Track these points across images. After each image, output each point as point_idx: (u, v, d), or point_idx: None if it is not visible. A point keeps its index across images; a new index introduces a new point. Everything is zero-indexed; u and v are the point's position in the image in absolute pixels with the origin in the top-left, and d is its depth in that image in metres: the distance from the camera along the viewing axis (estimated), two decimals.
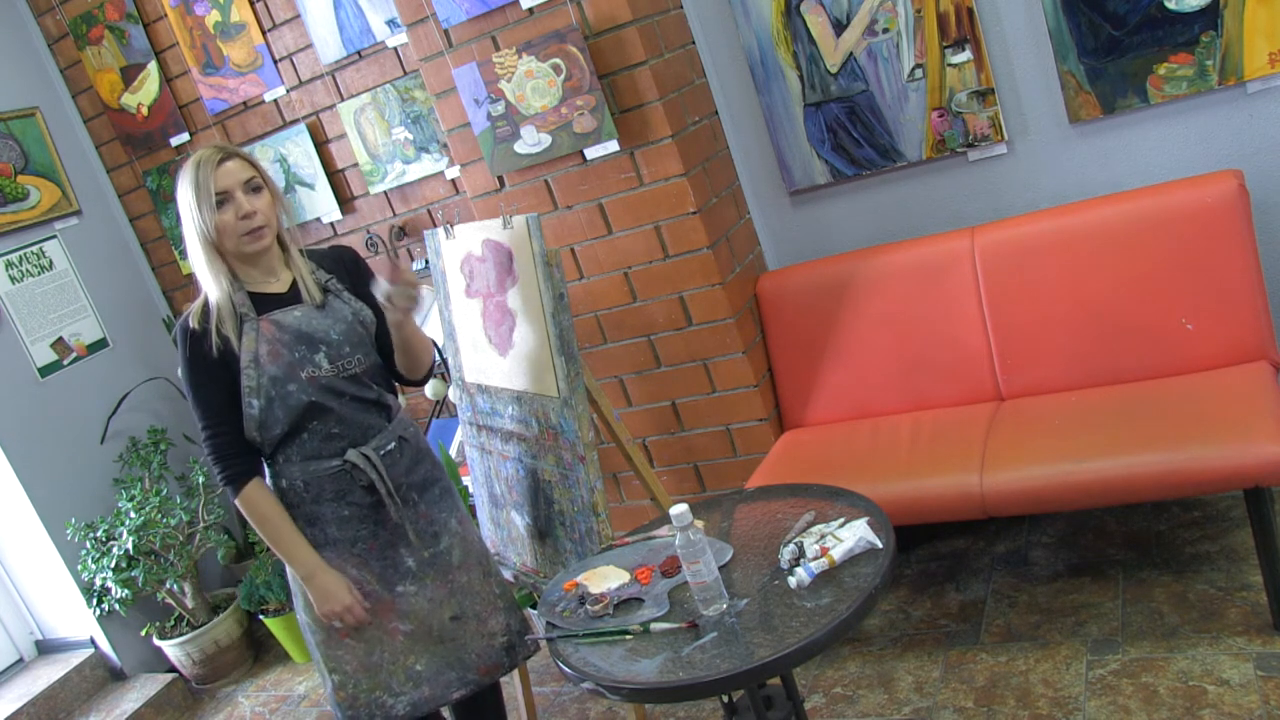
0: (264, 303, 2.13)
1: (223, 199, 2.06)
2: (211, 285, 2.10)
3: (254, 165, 2.12)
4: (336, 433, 2.14)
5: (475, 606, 2.29)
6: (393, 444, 2.21)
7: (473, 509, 2.95)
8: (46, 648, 3.98)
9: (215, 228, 2.06)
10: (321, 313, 2.16)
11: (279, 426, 2.11)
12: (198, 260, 2.10)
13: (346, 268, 2.26)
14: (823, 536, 1.89)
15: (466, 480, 3.17)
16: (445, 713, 2.41)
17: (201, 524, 3.75)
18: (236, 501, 2.13)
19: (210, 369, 2.09)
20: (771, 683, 2.19)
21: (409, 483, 2.22)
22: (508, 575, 2.77)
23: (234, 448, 2.12)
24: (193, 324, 2.09)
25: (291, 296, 2.17)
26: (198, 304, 2.12)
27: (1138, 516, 2.86)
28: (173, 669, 3.87)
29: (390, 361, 2.27)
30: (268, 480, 2.18)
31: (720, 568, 1.92)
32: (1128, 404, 2.52)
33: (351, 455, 2.14)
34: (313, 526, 2.16)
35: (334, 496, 2.15)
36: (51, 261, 3.97)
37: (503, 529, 2.81)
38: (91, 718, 3.67)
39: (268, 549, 3.90)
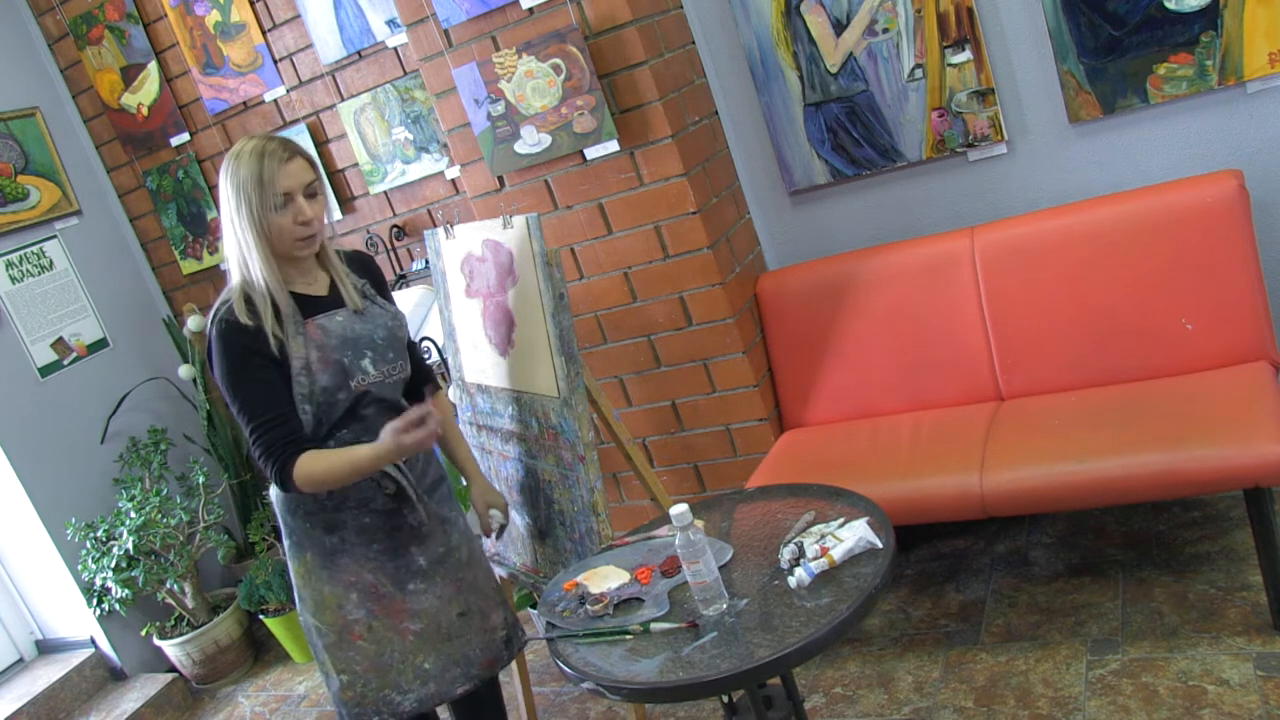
0: (303, 305, 2.08)
1: (284, 200, 1.99)
2: (268, 279, 2.02)
3: (315, 167, 2.06)
4: (365, 441, 2.11)
5: (479, 603, 2.29)
6: None
7: None
8: (46, 648, 3.98)
9: (273, 227, 2.00)
10: (361, 318, 2.12)
11: (320, 432, 2.07)
12: (248, 252, 2.01)
13: (371, 272, 2.25)
14: (823, 536, 1.89)
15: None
16: (443, 713, 2.41)
17: (201, 524, 3.75)
18: (298, 484, 1.99)
19: (265, 364, 1.99)
20: (771, 683, 2.19)
21: (423, 485, 2.22)
22: (503, 574, 2.78)
23: (289, 439, 2.00)
24: (242, 319, 1.99)
25: (332, 300, 2.12)
26: (235, 298, 2.02)
27: (1138, 516, 2.86)
28: (173, 669, 3.87)
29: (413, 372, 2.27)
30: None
31: (720, 568, 1.92)
32: (1128, 404, 2.52)
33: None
34: (331, 534, 2.13)
35: (356, 504, 2.13)
36: (51, 261, 3.98)
37: None
38: (91, 718, 3.67)
39: (268, 548, 3.91)
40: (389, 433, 1.97)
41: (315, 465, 2.00)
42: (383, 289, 2.25)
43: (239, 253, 2.04)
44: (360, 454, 2.01)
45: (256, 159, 1.98)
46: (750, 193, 3.25)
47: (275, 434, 1.99)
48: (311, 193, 2.04)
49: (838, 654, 2.76)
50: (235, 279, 2.05)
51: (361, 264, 2.24)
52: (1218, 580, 2.53)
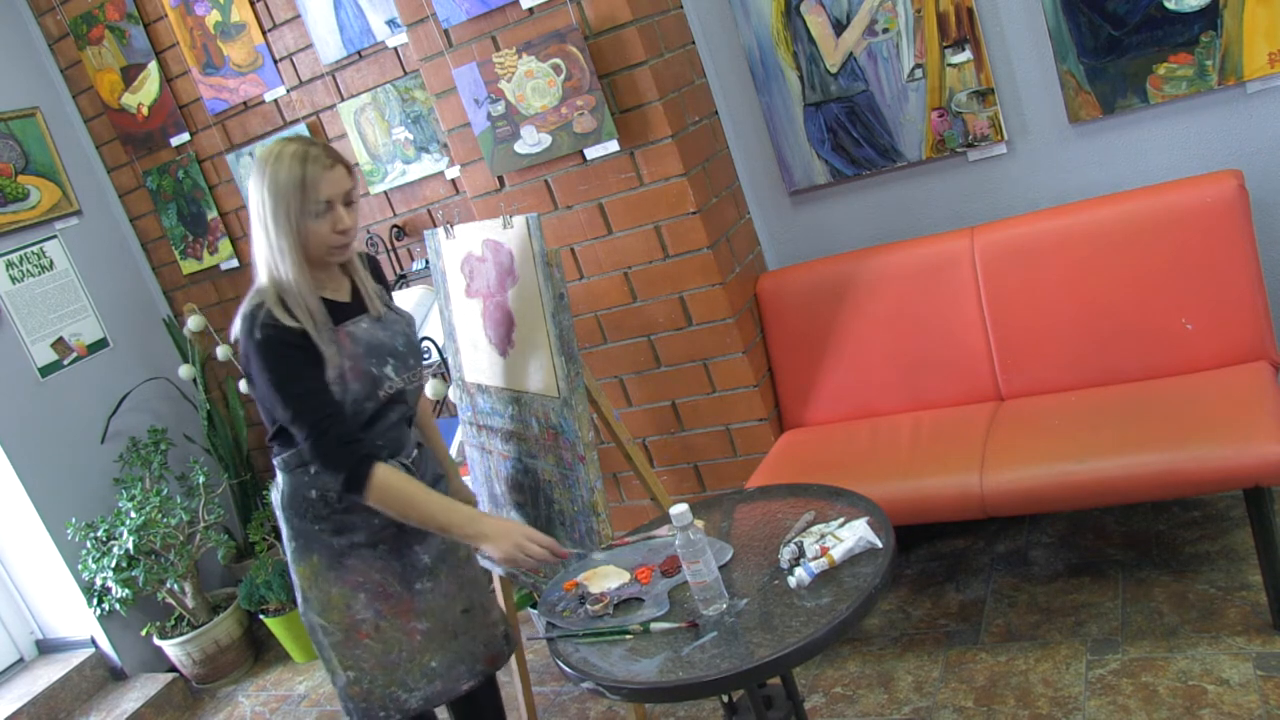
0: (331, 311, 2.05)
1: (325, 207, 1.96)
2: (301, 286, 1.98)
3: (354, 175, 2.03)
4: (380, 444, 2.10)
5: (480, 598, 2.30)
6: (416, 451, 2.21)
7: None
8: (47, 647, 3.98)
9: (309, 233, 1.96)
10: (381, 324, 2.11)
11: None
12: (280, 257, 1.97)
13: (381, 278, 2.25)
14: (823, 536, 1.89)
15: (466, 479, 3.17)
16: (441, 713, 2.41)
17: (201, 524, 3.75)
18: (369, 498, 1.97)
19: (311, 364, 1.96)
20: (771, 682, 2.19)
21: (426, 485, 2.21)
22: (503, 574, 2.78)
23: (348, 439, 1.97)
24: (283, 320, 1.95)
25: (355, 306, 2.10)
26: (270, 302, 1.97)
27: (1138, 516, 2.86)
28: (173, 669, 3.87)
29: None
30: (280, 489, 2.15)
31: (720, 567, 1.92)
32: (1128, 404, 2.52)
33: (392, 465, 2.09)
34: (340, 536, 2.12)
35: (366, 507, 2.09)
36: (51, 261, 3.98)
37: None
38: (92, 718, 3.67)
39: (268, 548, 3.91)
40: (515, 536, 2.00)
41: (395, 489, 1.97)
42: (389, 293, 2.25)
43: (271, 256, 1.99)
44: (442, 507, 2.01)
45: (299, 163, 1.94)
46: (750, 193, 3.25)
47: (337, 433, 1.95)
48: (349, 201, 2.01)
49: (838, 654, 2.77)
50: (264, 282, 2.01)
51: (372, 268, 2.23)
52: (1218, 580, 2.53)
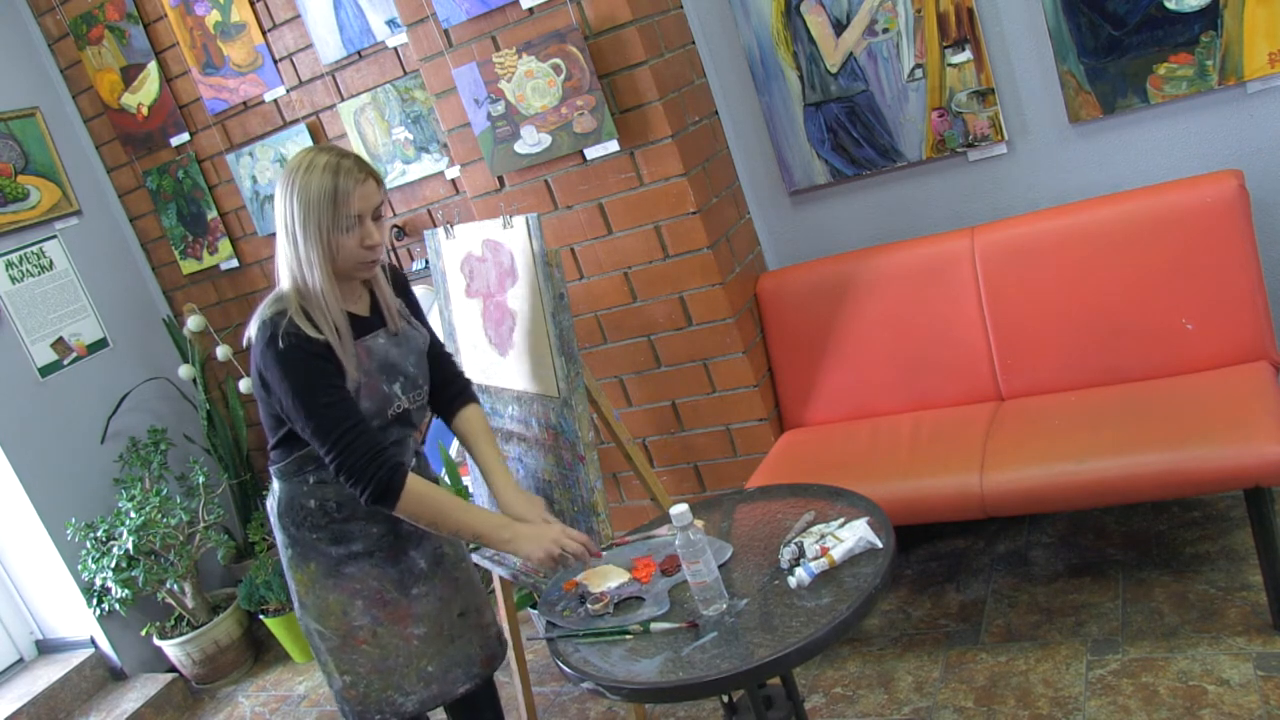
0: (351, 324, 2.03)
1: (355, 222, 1.94)
2: (329, 299, 1.96)
3: (383, 189, 2.00)
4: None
5: (475, 600, 2.29)
6: (414, 461, 2.21)
7: None
8: (46, 648, 3.98)
9: (338, 247, 1.93)
10: (396, 341, 2.09)
11: None
12: (309, 269, 1.94)
13: (406, 293, 2.22)
14: (823, 536, 1.89)
15: (466, 480, 3.17)
16: (437, 714, 2.41)
17: (201, 524, 3.75)
18: (399, 509, 1.95)
19: (334, 376, 1.94)
20: (771, 683, 2.19)
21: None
22: (506, 575, 2.78)
23: (375, 450, 1.94)
24: (307, 330, 1.92)
25: (374, 320, 2.08)
26: (293, 311, 1.94)
27: (1138, 516, 2.86)
28: (173, 669, 3.87)
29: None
30: (276, 496, 2.14)
31: (720, 567, 1.92)
32: (1128, 404, 2.52)
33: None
34: (338, 545, 2.11)
35: (366, 515, 2.10)
36: (51, 261, 3.98)
37: None
38: (91, 718, 3.67)
39: (268, 548, 3.91)
40: (550, 534, 1.99)
41: (427, 498, 1.96)
42: (417, 310, 2.22)
43: (298, 268, 1.96)
44: (472, 516, 2.00)
45: (331, 174, 1.92)
46: (750, 193, 3.25)
47: (364, 444, 1.92)
48: (377, 215, 1.99)
49: (838, 654, 2.76)
50: (286, 289, 1.98)
51: (398, 283, 2.21)
52: (1218, 580, 2.53)
